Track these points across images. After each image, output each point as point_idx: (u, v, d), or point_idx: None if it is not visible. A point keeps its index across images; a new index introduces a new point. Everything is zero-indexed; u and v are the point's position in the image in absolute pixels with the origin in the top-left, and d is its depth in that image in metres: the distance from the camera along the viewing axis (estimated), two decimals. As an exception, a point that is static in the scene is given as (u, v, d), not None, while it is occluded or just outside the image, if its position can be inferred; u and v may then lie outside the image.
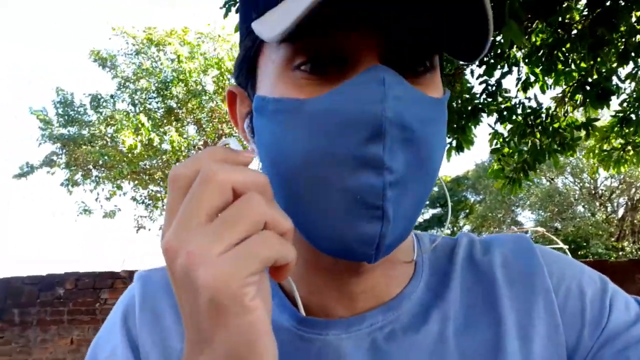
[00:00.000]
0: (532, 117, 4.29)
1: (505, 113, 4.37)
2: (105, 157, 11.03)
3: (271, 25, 0.38)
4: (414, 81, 0.40)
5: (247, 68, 0.47)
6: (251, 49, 0.45)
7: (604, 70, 3.82)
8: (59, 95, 12.14)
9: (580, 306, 0.48)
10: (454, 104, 4.19)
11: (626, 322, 0.46)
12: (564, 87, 4.28)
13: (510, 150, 4.53)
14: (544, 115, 4.32)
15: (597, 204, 18.05)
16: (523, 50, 4.06)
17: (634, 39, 3.33)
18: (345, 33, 0.38)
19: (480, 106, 4.27)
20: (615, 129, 4.50)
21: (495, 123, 4.49)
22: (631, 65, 3.67)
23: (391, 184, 0.37)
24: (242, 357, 0.32)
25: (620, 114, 4.35)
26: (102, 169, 12.09)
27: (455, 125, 4.17)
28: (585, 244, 16.84)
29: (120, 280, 5.09)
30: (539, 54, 3.90)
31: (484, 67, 3.99)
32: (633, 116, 4.21)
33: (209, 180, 0.32)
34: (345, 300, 0.49)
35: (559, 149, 4.26)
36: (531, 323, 0.47)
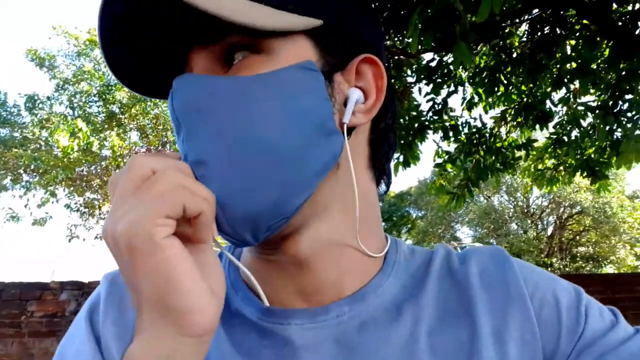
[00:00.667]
0: (476, 136, 4.48)
1: (450, 131, 4.54)
2: (38, 162, 10.35)
3: None
4: (235, 70, 0.43)
5: None
6: None
7: (538, 94, 4.08)
8: (-11, 95, 11.35)
9: (556, 314, 0.48)
10: (401, 120, 4.30)
11: (602, 329, 0.47)
12: (504, 107, 4.52)
13: (456, 168, 4.70)
14: (487, 135, 4.53)
15: (529, 221, 19.05)
16: (468, 71, 4.26)
17: (567, 66, 3.57)
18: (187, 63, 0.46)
19: (426, 123, 4.41)
20: (549, 149, 4.79)
21: (441, 140, 4.65)
22: (564, 90, 3.93)
23: (196, 165, 0.41)
24: (164, 296, 0.35)
25: (554, 136, 4.63)
26: (34, 174, 11.35)
27: (402, 142, 4.28)
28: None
29: (49, 292, 4.71)
30: (483, 75, 4.09)
31: (431, 85, 4.13)
32: (565, 138, 4.50)
33: (132, 167, 0.37)
34: (299, 293, 0.49)
35: (501, 167, 4.47)
36: (507, 327, 0.47)
